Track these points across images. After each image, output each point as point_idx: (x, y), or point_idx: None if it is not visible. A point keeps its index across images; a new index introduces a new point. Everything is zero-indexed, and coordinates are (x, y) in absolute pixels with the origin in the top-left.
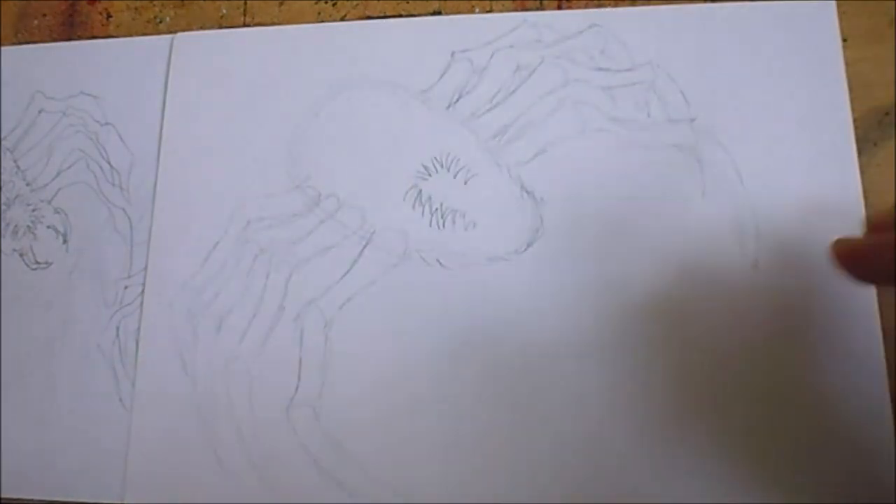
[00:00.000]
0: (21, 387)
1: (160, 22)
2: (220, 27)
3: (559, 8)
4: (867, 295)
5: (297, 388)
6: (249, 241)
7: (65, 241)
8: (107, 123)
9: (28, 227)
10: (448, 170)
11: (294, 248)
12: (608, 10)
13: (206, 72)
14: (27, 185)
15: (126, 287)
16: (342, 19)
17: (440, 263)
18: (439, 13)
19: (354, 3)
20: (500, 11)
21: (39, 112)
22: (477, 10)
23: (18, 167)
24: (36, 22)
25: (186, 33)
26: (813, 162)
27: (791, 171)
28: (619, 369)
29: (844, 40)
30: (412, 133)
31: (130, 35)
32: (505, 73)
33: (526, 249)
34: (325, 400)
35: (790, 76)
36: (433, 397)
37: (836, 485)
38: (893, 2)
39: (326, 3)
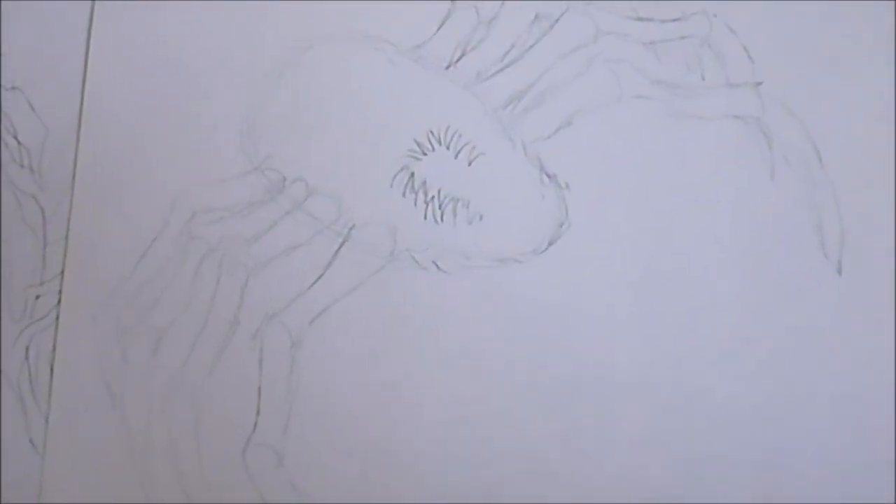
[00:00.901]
0: None
1: None
2: None
3: None
4: None
5: (255, 425)
6: (195, 237)
7: None
8: (13, 88)
9: None
10: (447, 147)
11: (251, 246)
12: None
13: (138, 26)
14: None
15: (37, 296)
16: None
17: (437, 266)
18: None
19: None
20: None
21: None
22: None
23: None
24: None
25: None
26: None
27: (879, 151)
28: (668, 401)
29: None
30: (401, 100)
31: None
32: (520, 24)
33: (546, 248)
34: (290, 440)
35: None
36: (425, 434)
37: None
38: None
39: None
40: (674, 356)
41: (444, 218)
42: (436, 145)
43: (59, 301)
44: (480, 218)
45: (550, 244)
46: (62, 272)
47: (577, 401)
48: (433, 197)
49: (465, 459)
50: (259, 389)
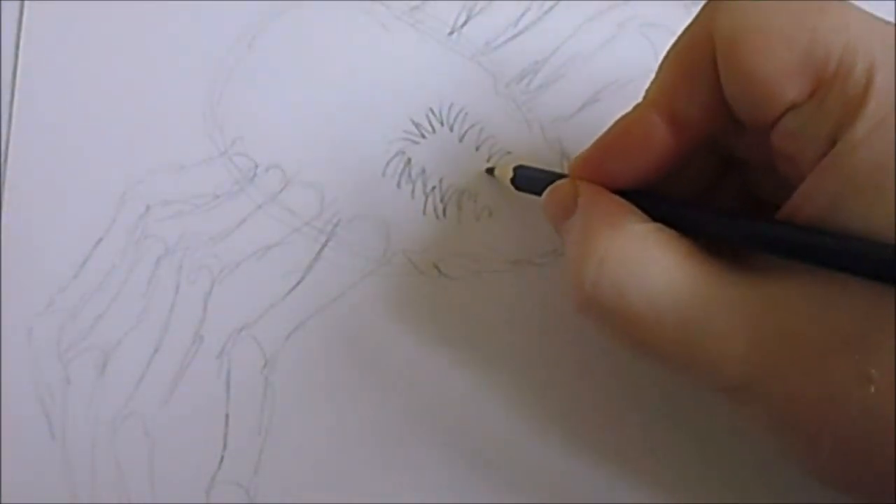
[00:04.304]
0: None
1: None
2: None
3: None
4: None
5: (221, 459)
6: (149, 236)
7: None
8: None
9: None
10: (451, 129)
11: (217, 246)
12: None
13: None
14: None
15: None
16: None
17: (439, 270)
18: None
19: None
20: None
21: None
22: None
23: None
24: None
25: None
26: None
27: None
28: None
29: None
30: (396, 73)
31: None
32: None
33: None
34: (262, 477)
35: None
36: (425, 469)
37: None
38: None
39: None
40: None
41: (447, 213)
42: (437, 126)
43: None
44: (490, 213)
45: None
46: None
47: (604, 418)
48: (433, 188)
49: (470, 470)
50: (226, 418)
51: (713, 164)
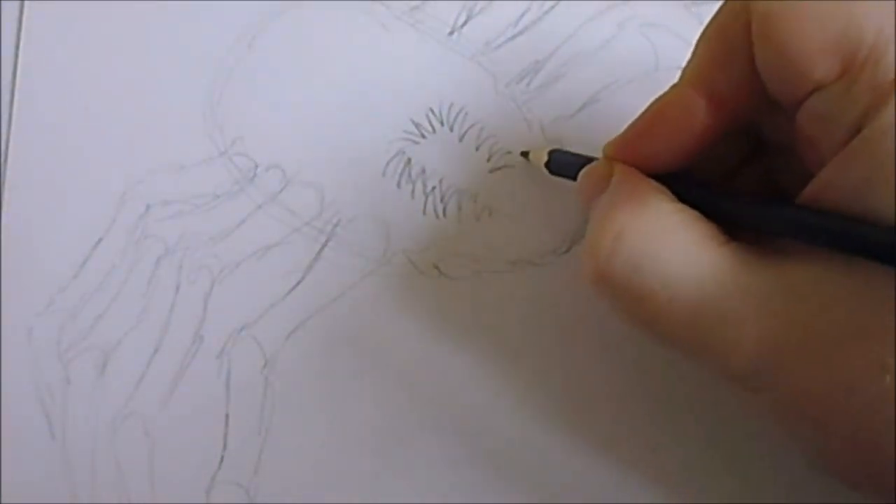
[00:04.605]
0: None
1: None
2: None
3: None
4: None
5: (221, 459)
6: (149, 236)
7: None
8: None
9: None
10: (451, 129)
11: (217, 246)
12: None
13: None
14: None
15: None
16: None
17: (439, 270)
18: None
19: None
20: None
21: None
22: None
23: None
24: None
25: None
26: None
27: None
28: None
29: None
30: (396, 73)
31: None
32: None
33: (570, 249)
34: (262, 477)
35: None
36: (425, 469)
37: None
38: None
39: None
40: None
41: (447, 213)
42: (437, 126)
43: None
44: (490, 213)
45: (573, 244)
46: None
47: (605, 417)
48: (433, 188)
49: (472, 478)
50: (226, 418)
51: (741, 148)
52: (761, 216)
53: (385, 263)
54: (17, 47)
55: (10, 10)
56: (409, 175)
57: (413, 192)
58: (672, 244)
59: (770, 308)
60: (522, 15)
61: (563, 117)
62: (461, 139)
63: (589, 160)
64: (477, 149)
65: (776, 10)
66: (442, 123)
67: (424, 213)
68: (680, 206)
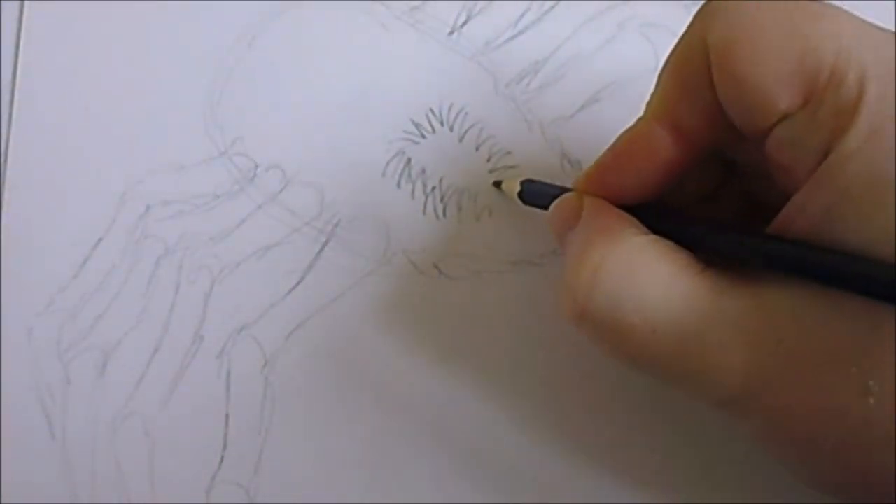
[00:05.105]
0: None
1: None
2: None
3: None
4: None
5: (221, 459)
6: (149, 236)
7: None
8: None
9: None
10: (451, 128)
11: (217, 246)
12: None
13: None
14: None
15: None
16: None
17: (439, 270)
18: None
19: None
20: None
21: None
22: None
23: None
24: None
25: None
26: None
27: None
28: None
29: None
30: (396, 73)
31: None
32: None
33: None
34: (262, 477)
35: None
36: (425, 468)
37: None
38: None
39: None
40: None
41: (447, 213)
42: (437, 126)
43: None
44: (490, 213)
45: None
46: None
47: (604, 419)
48: (433, 188)
49: (473, 477)
50: (226, 417)
51: (715, 172)
52: (731, 246)
53: (385, 263)
54: (17, 47)
55: (10, 10)
56: (409, 175)
57: (413, 192)
58: (650, 276)
59: (751, 335)
60: (522, 15)
61: (563, 117)
62: (461, 139)
63: (563, 190)
64: (477, 149)
65: (732, 43)
66: (442, 123)
67: (424, 213)
68: (653, 237)
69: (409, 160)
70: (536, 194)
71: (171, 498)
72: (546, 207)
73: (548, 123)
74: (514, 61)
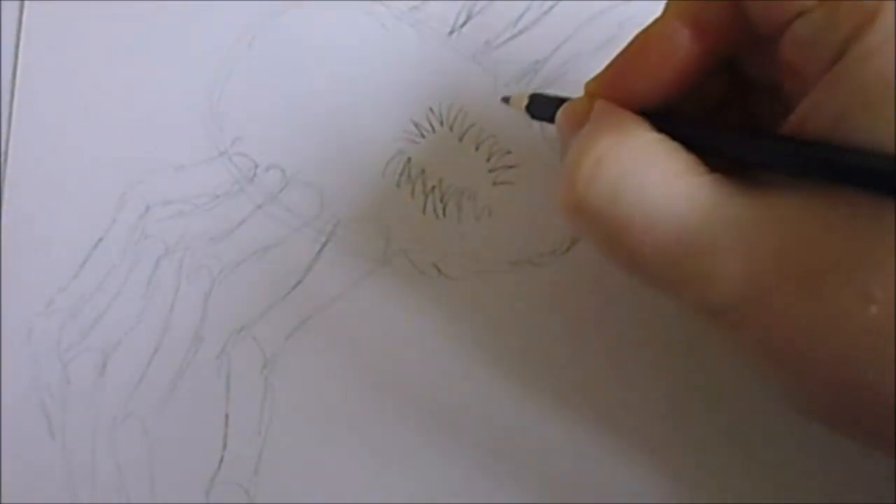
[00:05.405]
0: None
1: None
2: None
3: None
4: None
5: (221, 460)
6: (149, 236)
7: None
8: None
9: None
10: (451, 129)
11: (217, 246)
12: None
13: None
14: None
15: None
16: None
17: (438, 270)
18: None
19: None
20: None
21: None
22: None
23: None
24: None
25: None
26: None
27: None
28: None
29: None
30: (396, 73)
31: None
32: None
33: (569, 249)
34: (262, 477)
35: None
36: (425, 469)
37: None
38: None
39: None
40: (715, 372)
41: (447, 213)
42: (436, 126)
43: None
44: (490, 213)
45: (573, 243)
46: None
47: (605, 418)
48: (433, 188)
49: (471, 480)
50: (226, 418)
51: (720, 87)
52: (743, 147)
53: (385, 263)
54: (17, 47)
55: (10, 10)
56: (409, 175)
57: (413, 192)
58: (653, 172)
59: (754, 240)
60: (522, 15)
61: None
62: (461, 139)
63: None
64: (477, 149)
65: None
66: (442, 123)
67: (424, 213)
68: (662, 136)
69: (408, 160)
70: (545, 107)
71: (170, 498)
72: (554, 120)
73: (547, 123)
74: (515, 61)
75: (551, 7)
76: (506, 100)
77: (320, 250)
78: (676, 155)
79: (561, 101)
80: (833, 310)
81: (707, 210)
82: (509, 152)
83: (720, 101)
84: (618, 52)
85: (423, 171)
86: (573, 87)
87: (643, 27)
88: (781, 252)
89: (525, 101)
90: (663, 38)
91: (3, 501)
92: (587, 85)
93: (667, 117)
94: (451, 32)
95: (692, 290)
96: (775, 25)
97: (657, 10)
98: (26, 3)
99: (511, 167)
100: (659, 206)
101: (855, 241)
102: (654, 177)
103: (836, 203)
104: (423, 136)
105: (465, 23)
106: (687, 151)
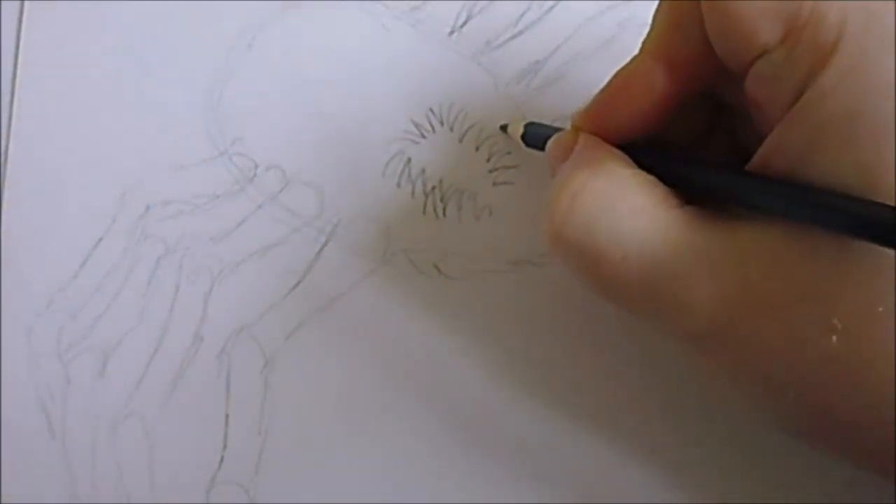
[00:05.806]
0: None
1: None
2: None
3: None
4: None
5: (221, 460)
6: (149, 236)
7: None
8: None
9: None
10: (451, 128)
11: (217, 246)
12: None
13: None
14: None
15: None
16: None
17: (438, 270)
18: None
19: None
20: None
21: None
22: None
23: None
24: None
25: None
26: None
27: None
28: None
29: None
30: (396, 73)
31: None
32: None
33: None
34: (262, 477)
35: None
36: (425, 468)
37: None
38: None
39: None
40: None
41: (447, 213)
42: (437, 126)
43: None
44: (490, 213)
45: None
46: None
47: (604, 417)
48: (433, 188)
49: (473, 479)
50: (226, 418)
51: (704, 115)
52: (709, 181)
53: (385, 263)
54: (17, 47)
55: (10, 10)
56: (409, 175)
57: (413, 192)
58: (626, 206)
59: (722, 270)
60: (522, 15)
61: (562, 117)
62: (461, 139)
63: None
64: (477, 149)
65: None
66: (442, 123)
67: (424, 213)
68: (637, 170)
69: (409, 160)
70: (538, 137)
71: (170, 498)
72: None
73: (548, 123)
74: (515, 61)
75: (551, 7)
76: (503, 128)
77: (320, 250)
78: (650, 189)
79: (554, 130)
80: (798, 337)
81: (678, 242)
82: (509, 152)
83: (707, 126)
84: (599, 89)
85: (423, 171)
86: (573, 87)
87: (623, 63)
88: (748, 282)
89: (521, 131)
90: (639, 75)
91: (3, 501)
92: (573, 118)
93: (648, 149)
94: (451, 32)
95: (666, 318)
96: (740, 64)
97: None
98: (26, 3)
99: (511, 167)
100: (632, 238)
101: (818, 275)
102: (628, 210)
103: (800, 237)
104: (423, 136)
105: (465, 23)
106: (660, 184)
